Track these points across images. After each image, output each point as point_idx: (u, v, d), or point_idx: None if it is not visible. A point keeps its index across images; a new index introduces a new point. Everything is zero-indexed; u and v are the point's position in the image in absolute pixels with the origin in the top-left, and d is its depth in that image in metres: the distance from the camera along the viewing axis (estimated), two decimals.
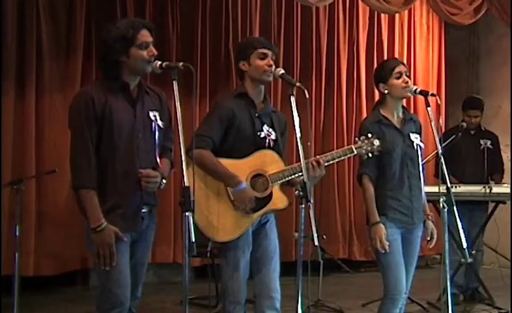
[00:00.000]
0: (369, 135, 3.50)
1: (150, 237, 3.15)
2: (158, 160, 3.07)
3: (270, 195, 3.35)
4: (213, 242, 3.41)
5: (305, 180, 3.07)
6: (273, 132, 3.45)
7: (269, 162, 3.37)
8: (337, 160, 3.44)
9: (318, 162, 3.33)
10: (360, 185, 3.70)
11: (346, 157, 3.48)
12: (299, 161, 3.15)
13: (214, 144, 3.35)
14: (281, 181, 3.35)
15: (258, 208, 3.32)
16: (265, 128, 3.43)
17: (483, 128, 5.94)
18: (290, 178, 3.35)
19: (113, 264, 2.90)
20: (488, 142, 5.84)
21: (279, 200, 3.37)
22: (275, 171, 3.34)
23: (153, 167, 3.03)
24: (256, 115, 3.43)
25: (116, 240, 2.91)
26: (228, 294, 3.38)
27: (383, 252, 3.56)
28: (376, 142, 3.48)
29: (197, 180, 3.27)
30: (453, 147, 5.39)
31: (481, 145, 5.81)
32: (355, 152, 3.46)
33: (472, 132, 5.80)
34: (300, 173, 3.26)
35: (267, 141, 3.42)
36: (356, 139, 3.52)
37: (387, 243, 3.55)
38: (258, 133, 3.41)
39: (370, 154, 3.48)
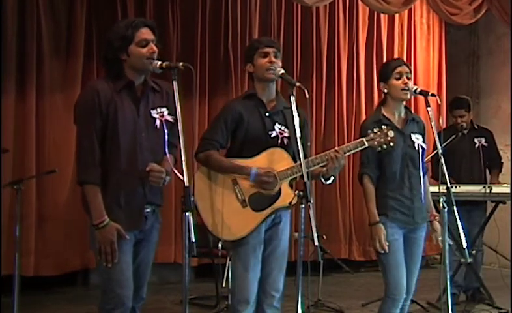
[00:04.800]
0: (383, 126, 3.46)
1: (155, 237, 3.14)
2: (168, 156, 3.04)
3: (279, 192, 3.35)
4: (224, 242, 3.42)
5: (305, 180, 3.07)
6: (286, 130, 3.44)
7: (277, 159, 3.37)
8: (347, 153, 3.40)
9: (336, 152, 3.33)
10: (361, 185, 3.70)
11: (356, 150, 3.44)
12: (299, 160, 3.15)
13: (221, 146, 3.41)
14: (290, 178, 3.35)
15: (267, 206, 3.33)
16: (277, 126, 3.43)
17: (475, 126, 5.91)
18: (298, 175, 3.33)
19: (115, 261, 2.89)
20: (483, 140, 5.82)
21: (288, 197, 3.36)
22: (283, 168, 3.34)
23: (158, 164, 3.01)
24: (267, 114, 3.43)
25: (118, 237, 2.90)
26: (236, 292, 3.38)
27: (382, 252, 3.56)
28: (391, 133, 3.43)
29: (204, 181, 3.35)
30: (448, 148, 5.36)
31: (475, 143, 5.80)
32: (367, 145, 3.42)
33: (465, 132, 5.77)
34: (309, 169, 3.26)
35: (279, 139, 3.42)
36: (369, 131, 3.45)
37: (387, 243, 3.55)
38: (270, 132, 3.41)
39: (385, 146, 3.42)
